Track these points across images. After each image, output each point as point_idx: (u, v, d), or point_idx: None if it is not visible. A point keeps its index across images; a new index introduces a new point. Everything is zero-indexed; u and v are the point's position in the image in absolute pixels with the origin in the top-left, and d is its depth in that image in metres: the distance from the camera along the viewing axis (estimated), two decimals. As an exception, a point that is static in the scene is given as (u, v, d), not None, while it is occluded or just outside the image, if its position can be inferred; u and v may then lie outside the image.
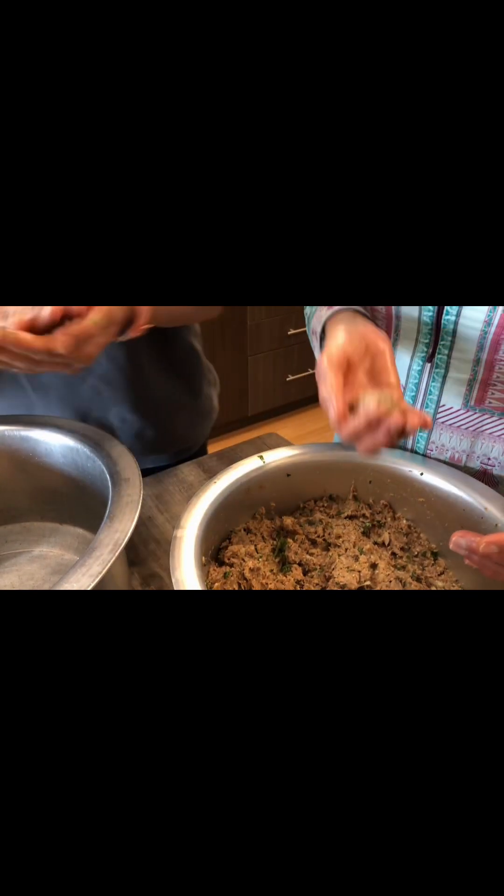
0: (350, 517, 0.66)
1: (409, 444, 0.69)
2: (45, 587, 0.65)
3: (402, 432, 0.48)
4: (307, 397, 2.82)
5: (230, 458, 0.90)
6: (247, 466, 0.63)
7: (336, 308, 0.60)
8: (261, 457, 0.64)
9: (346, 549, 0.60)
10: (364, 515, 0.66)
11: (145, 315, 0.61)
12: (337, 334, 0.54)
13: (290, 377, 2.67)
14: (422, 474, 0.63)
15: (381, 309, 0.65)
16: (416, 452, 0.68)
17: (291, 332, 2.54)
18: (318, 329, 0.61)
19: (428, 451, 0.67)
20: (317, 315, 0.64)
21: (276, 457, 0.65)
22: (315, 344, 0.64)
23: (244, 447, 0.94)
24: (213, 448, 1.01)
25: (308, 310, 0.68)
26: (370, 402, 0.48)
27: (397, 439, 0.49)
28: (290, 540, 0.61)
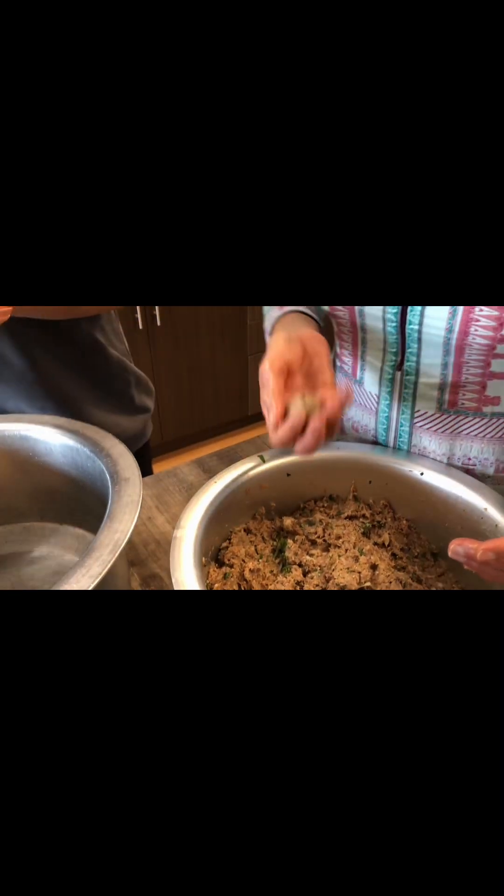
0: (350, 517, 0.66)
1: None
2: (46, 587, 0.65)
3: (330, 429, 0.51)
4: (307, 397, 2.82)
5: (230, 457, 0.90)
6: (247, 466, 0.62)
7: (285, 309, 0.64)
8: (261, 456, 0.64)
9: (346, 550, 0.60)
10: (364, 516, 0.66)
11: None
12: (278, 340, 0.57)
13: (290, 377, 2.67)
14: (422, 474, 0.63)
15: (345, 320, 0.66)
16: None
17: (291, 331, 2.53)
18: (268, 329, 0.65)
19: None
20: (269, 316, 0.67)
21: (277, 456, 0.64)
22: (268, 342, 0.68)
23: (244, 447, 0.94)
24: (213, 448, 1.01)
25: (264, 309, 0.71)
26: (294, 408, 0.51)
27: (328, 436, 0.51)
28: (289, 540, 0.61)
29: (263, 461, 0.63)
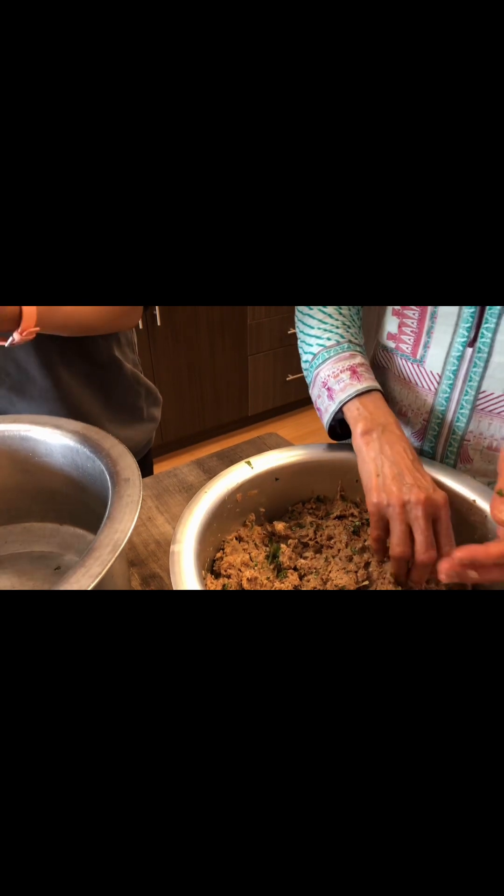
0: (339, 517, 0.66)
1: (444, 436, 0.68)
2: (45, 587, 0.65)
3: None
4: (307, 397, 2.82)
5: (230, 457, 0.90)
6: (236, 473, 0.62)
7: (360, 384, 0.61)
8: (249, 462, 0.63)
9: (339, 550, 0.60)
10: (353, 514, 0.66)
11: (29, 317, 0.62)
12: (383, 464, 0.56)
13: (290, 377, 2.68)
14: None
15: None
16: (451, 444, 0.68)
17: (291, 331, 2.54)
18: (332, 409, 0.63)
19: (465, 442, 0.66)
20: (322, 385, 0.64)
21: (265, 461, 0.64)
22: (324, 417, 0.65)
23: (244, 447, 0.94)
24: (213, 448, 1.01)
25: (309, 370, 0.68)
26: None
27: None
28: (283, 545, 0.61)
29: (252, 467, 0.63)
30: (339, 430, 0.68)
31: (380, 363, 0.76)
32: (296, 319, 0.72)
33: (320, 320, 0.68)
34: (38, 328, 0.65)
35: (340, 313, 0.68)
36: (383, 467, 0.55)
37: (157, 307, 2.11)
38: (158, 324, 2.16)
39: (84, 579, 0.43)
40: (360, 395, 0.61)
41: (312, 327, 0.68)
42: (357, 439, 0.59)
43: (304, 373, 0.69)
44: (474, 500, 0.57)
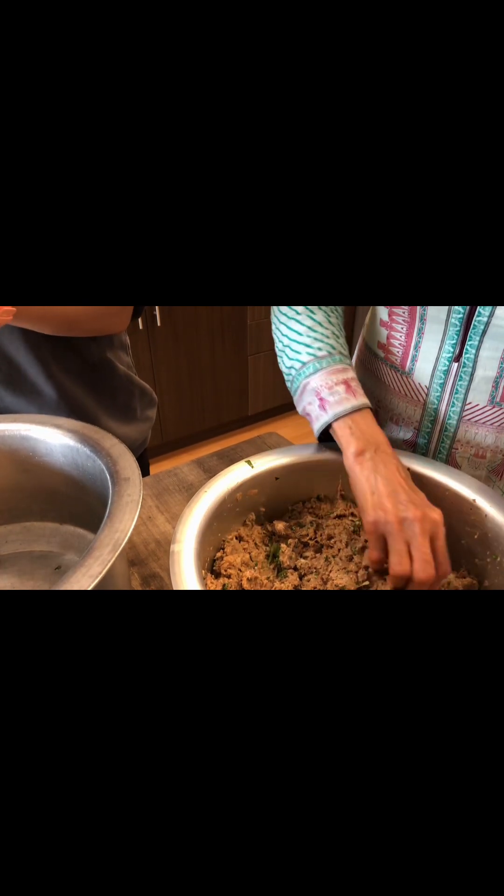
0: (339, 517, 0.66)
1: (433, 445, 0.70)
2: (45, 587, 0.65)
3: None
4: (307, 397, 2.82)
5: (230, 457, 0.90)
6: (236, 472, 0.62)
7: (346, 409, 0.59)
8: (249, 462, 0.63)
9: (339, 550, 0.60)
10: (353, 514, 0.66)
11: None
12: (387, 487, 0.54)
13: (290, 377, 2.67)
14: (408, 470, 0.63)
15: (404, 309, 0.65)
16: (440, 451, 0.70)
17: (291, 331, 2.53)
18: (324, 420, 0.61)
19: (453, 450, 0.69)
20: (314, 394, 0.62)
21: (265, 461, 0.64)
22: (315, 425, 0.63)
23: (244, 447, 0.94)
24: (213, 448, 1.01)
25: (297, 377, 0.65)
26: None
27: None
28: (283, 545, 0.61)
29: (252, 466, 0.63)
30: (322, 435, 0.67)
31: (366, 367, 0.77)
32: (276, 323, 0.69)
33: (309, 327, 0.66)
34: (12, 308, 0.64)
35: (330, 322, 0.67)
36: (377, 485, 0.55)
37: (157, 307, 2.11)
38: (158, 324, 2.16)
39: (84, 579, 0.43)
40: (354, 411, 0.60)
41: (301, 334, 0.66)
42: (349, 459, 0.58)
43: (288, 377, 0.67)
44: (474, 500, 0.57)
